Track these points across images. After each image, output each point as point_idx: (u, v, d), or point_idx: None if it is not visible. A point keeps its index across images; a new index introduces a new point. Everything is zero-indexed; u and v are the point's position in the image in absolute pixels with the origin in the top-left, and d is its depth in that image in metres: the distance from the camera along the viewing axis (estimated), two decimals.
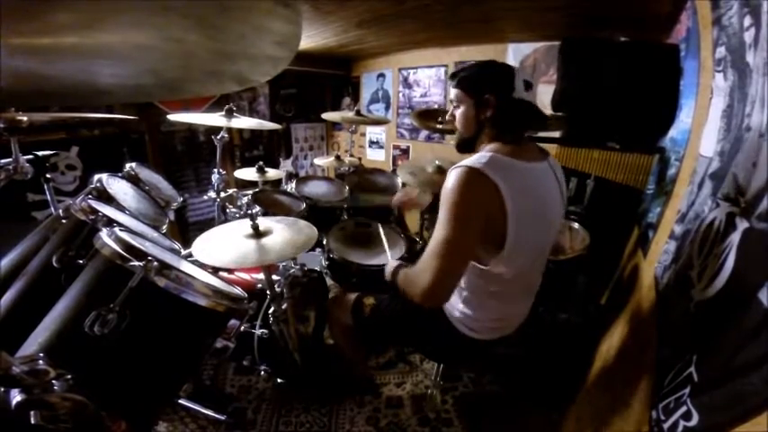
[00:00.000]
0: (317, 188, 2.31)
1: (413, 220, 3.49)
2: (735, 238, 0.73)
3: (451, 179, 0.97)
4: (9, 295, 1.03)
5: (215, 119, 1.76)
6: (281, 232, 1.33)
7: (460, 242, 0.95)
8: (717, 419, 0.59)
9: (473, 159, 0.99)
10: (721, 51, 1.10)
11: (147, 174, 1.69)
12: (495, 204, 0.95)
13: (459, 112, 1.13)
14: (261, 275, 1.55)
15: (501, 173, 0.95)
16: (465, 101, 1.10)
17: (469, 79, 1.09)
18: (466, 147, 1.17)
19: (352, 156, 2.87)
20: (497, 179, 0.94)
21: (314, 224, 1.42)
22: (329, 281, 1.96)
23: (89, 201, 1.19)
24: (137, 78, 0.65)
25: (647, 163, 1.82)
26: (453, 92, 1.14)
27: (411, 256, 1.62)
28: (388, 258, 1.41)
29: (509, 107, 1.05)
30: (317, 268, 1.91)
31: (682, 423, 0.67)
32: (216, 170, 1.89)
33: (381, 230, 1.68)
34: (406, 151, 3.95)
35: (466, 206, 0.95)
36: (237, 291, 1.15)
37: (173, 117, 1.71)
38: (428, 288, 0.95)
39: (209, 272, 1.19)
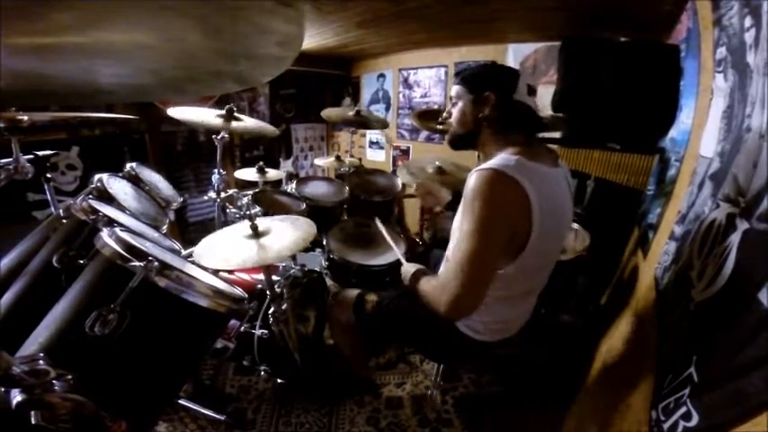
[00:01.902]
0: (317, 188, 2.31)
1: (413, 221, 3.50)
2: (735, 238, 0.73)
3: (476, 182, 0.92)
4: (9, 295, 1.03)
5: (215, 119, 1.75)
6: (281, 232, 1.33)
7: (487, 253, 0.92)
8: (717, 420, 0.59)
9: (498, 161, 0.95)
10: (722, 52, 1.10)
11: (147, 174, 1.69)
12: (523, 210, 0.92)
13: (456, 108, 1.13)
14: (261, 276, 1.55)
15: (529, 178, 0.92)
16: (464, 96, 1.10)
17: (472, 75, 1.10)
18: (459, 143, 1.17)
19: (352, 156, 2.87)
20: (526, 184, 0.91)
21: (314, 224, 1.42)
22: (329, 281, 1.96)
23: (89, 200, 1.19)
24: (137, 78, 0.65)
25: (647, 164, 1.82)
26: (454, 88, 1.13)
27: (413, 257, 1.61)
28: (399, 256, 1.38)
29: (508, 107, 1.05)
30: (317, 268, 1.91)
31: (682, 423, 0.67)
32: (216, 170, 1.89)
33: (381, 226, 1.66)
34: (406, 152, 3.94)
35: (493, 214, 0.91)
36: (238, 291, 1.15)
37: (172, 112, 1.70)
38: (454, 301, 0.93)
39: (209, 272, 1.19)
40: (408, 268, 1.20)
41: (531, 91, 1.07)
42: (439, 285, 0.99)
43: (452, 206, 1.43)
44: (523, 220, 0.93)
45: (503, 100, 1.05)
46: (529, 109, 1.06)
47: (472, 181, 0.94)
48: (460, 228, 0.96)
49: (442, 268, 1.20)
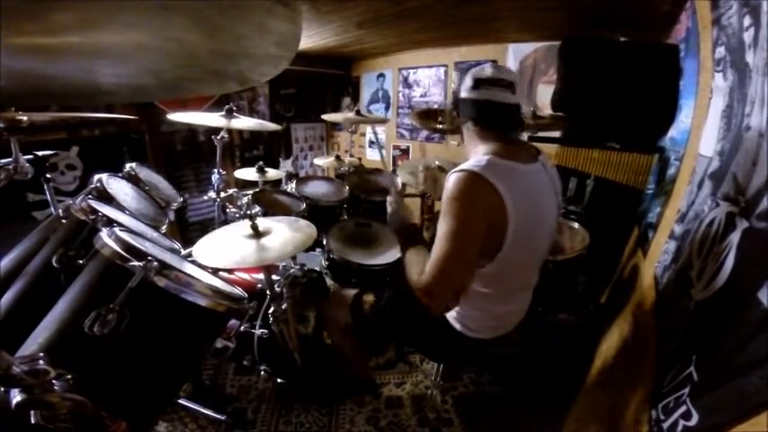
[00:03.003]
0: (317, 188, 2.31)
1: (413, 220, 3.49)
2: (734, 237, 0.73)
3: (452, 184, 0.97)
4: (9, 295, 1.02)
5: (215, 119, 1.76)
6: (281, 232, 1.33)
7: (462, 252, 0.95)
8: (716, 419, 0.59)
9: (471, 163, 0.98)
10: (721, 51, 1.10)
11: (146, 174, 1.69)
12: (497, 209, 0.95)
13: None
14: (261, 275, 1.55)
15: (500, 176, 0.95)
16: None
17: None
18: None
19: (351, 156, 2.87)
20: (497, 183, 0.94)
21: (314, 224, 1.42)
22: (329, 281, 1.96)
23: (89, 201, 1.19)
24: (137, 78, 0.65)
25: (646, 163, 1.82)
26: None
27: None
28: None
29: (459, 106, 1.14)
30: (317, 268, 1.91)
31: (681, 423, 0.67)
32: (216, 170, 1.89)
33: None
34: (406, 151, 3.95)
35: (467, 214, 0.94)
36: (237, 291, 1.15)
37: (172, 116, 1.71)
38: (428, 292, 0.95)
39: (209, 272, 1.19)
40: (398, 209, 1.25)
41: (479, 83, 1.09)
42: (419, 270, 1.00)
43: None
44: (498, 218, 0.96)
45: (456, 102, 1.15)
46: (475, 101, 1.10)
47: (449, 183, 0.98)
48: (438, 226, 0.99)
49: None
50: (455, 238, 0.93)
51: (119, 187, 1.45)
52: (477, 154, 1.06)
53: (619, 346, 1.30)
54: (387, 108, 3.98)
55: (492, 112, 1.08)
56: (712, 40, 1.19)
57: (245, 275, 1.65)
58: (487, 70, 1.09)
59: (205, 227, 3.12)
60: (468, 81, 1.09)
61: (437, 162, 2.09)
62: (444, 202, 0.97)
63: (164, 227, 1.50)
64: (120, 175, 1.55)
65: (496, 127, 1.10)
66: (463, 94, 1.11)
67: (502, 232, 0.97)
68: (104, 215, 1.13)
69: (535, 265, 1.17)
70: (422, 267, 1.00)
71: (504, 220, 0.96)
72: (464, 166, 0.98)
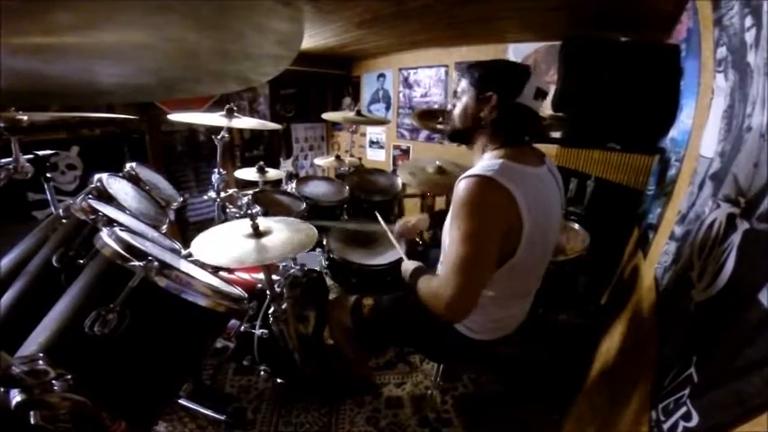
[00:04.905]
0: (317, 188, 2.31)
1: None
2: (735, 239, 0.73)
3: (464, 189, 0.93)
4: (9, 295, 1.03)
5: (215, 119, 1.76)
6: (281, 232, 1.33)
7: (481, 257, 0.93)
8: (717, 420, 0.59)
9: (483, 167, 0.96)
10: (722, 52, 1.10)
11: (147, 173, 1.69)
12: (513, 214, 0.93)
13: (459, 103, 1.11)
14: (261, 275, 1.55)
15: (515, 181, 0.93)
16: (468, 92, 1.07)
17: (478, 72, 1.07)
18: (456, 138, 1.16)
19: (352, 156, 2.87)
20: (512, 188, 0.92)
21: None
22: (329, 281, 1.96)
23: (89, 200, 1.19)
24: (137, 78, 0.65)
25: (647, 163, 1.82)
26: (461, 82, 1.10)
27: (412, 256, 1.61)
28: (400, 253, 1.38)
29: (509, 110, 1.01)
30: (317, 268, 1.91)
31: (681, 424, 0.67)
32: (216, 170, 1.89)
33: (382, 222, 1.65)
34: (406, 151, 3.95)
35: (483, 219, 0.92)
36: (237, 291, 1.15)
37: (172, 116, 1.71)
38: (451, 304, 0.93)
39: (209, 272, 1.19)
40: (408, 265, 1.20)
41: (540, 94, 1.01)
42: (435, 289, 1.00)
43: (437, 223, 1.44)
44: (513, 223, 0.94)
45: (504, 102, 1.01)
46: (532, 115, 1.03)
47: (460, 189, 0.95)
48: (450, 234, 0.96)
49: (438, 270, 1.21)
50: (471, 244, 0.91)
51: (119, 187, 1.45)
52: (485, 157, 1.04)
53: (619, 347, 1.30)
54: (387, 108, 3.98)
55: (537, 124, 1.06)
56: (714, 40, 1.18)
57: (245, 275, 1.65)
58: (538, 81, 1.01)
59: (205, 227, 3.12)
60: (530, 89, 0.99)
61: (438, 162, 2.09)
62: (456, 207, 0.94)
63: (164, 227, 1.50)
64: (120, 174, 1.55)
65: (524, 137, 1.06)
66: (526, 102, 1.00)
67: (517, 237, 0.96)
68: (105, 215, 1.13)
69: (541, 268, 1.17)
70: (436, 284, 0.99)
71: (519, 225, 0.94)
72: (476, 170, 0.96)
